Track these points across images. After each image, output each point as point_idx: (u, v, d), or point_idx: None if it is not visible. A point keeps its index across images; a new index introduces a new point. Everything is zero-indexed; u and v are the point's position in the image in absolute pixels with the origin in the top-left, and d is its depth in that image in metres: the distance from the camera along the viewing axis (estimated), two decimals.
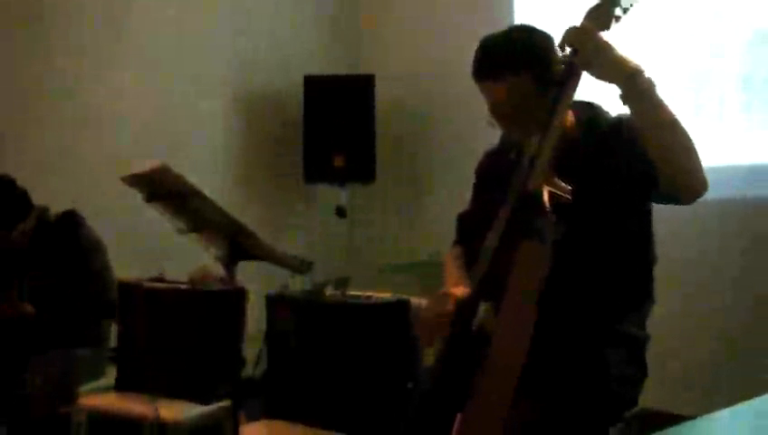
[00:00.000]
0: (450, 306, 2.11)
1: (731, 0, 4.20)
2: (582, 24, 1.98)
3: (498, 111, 2.13)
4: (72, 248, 3.56)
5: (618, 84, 1.95)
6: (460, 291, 2.14)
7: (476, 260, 2.19)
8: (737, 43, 4.21)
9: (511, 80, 2.08)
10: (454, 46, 3.90)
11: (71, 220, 3.62)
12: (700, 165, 1.99)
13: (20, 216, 3.54)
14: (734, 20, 4.20)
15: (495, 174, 2.29)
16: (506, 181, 2.09)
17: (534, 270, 1.90)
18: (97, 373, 3.64)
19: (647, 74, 1.94)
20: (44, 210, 3.61)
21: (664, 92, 1.96)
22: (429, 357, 2.17)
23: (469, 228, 2.40)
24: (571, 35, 1.98)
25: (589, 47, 1.95)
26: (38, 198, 3.65)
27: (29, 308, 3.49)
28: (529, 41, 2.13)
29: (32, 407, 3.35)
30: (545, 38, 2.14)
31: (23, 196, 3.55)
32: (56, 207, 3.67)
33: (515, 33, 2.20)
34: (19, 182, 3.63)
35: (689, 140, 1.97)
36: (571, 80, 1.98)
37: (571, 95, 2.01)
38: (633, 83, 1.93)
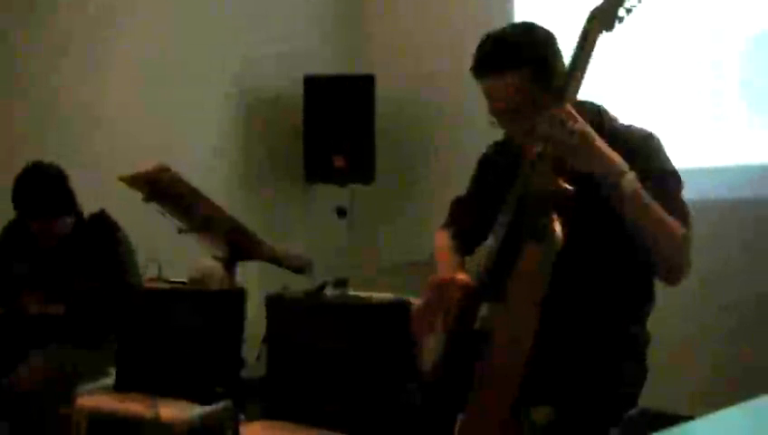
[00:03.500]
0: (457, 293, 2.09)
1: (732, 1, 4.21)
2: (555, 109, 1.94)
3: (498, 109, 2.12)
4: (111, 253, 3.56)
5: (603, 182, 1.95)
6: (463, 277, 2.13)
7: (467, 247, 2.19)
8: (737, 42, 4.21)
9: (512, 75, 2.06)
10: (454, 46, 3.90)
11: (105, 223, 3.63)
12: (684, 259, 2.03)
13: (65, 210, 3.54)
14: (735, 21, 4.20)
15: (497, 166, 2.29)
16: (507, 175, 2.09)
17: (538, 271, 1.90)
18: (101, 372, 3.64)
19: (630, 175, 1.94)
20: (80, 211, 3.62)
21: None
22: (429, 355, 2.16)
23: (462, 213, 2.40)
24: (545, 125, 1.93)
25: (569, 135, 1.91)
26: None
27: (58, 308, 3.49)
28: (530, 37, 2.12)
29: (29, 406, 3.35)
30: (546, 35, 2.13)
31: (71, 193, 3.55)
32: None
33: (516, 30, 2.20)
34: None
35: (675, 237, 1.99)
36: (575, 76, 1.97)
37: (575, 94, 2.00)
38: (620, 185, 1.93)
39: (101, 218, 3.63)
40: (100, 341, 3.59)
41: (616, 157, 1.95)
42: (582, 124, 1.93)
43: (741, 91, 4.24)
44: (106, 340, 3.62)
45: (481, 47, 2.13)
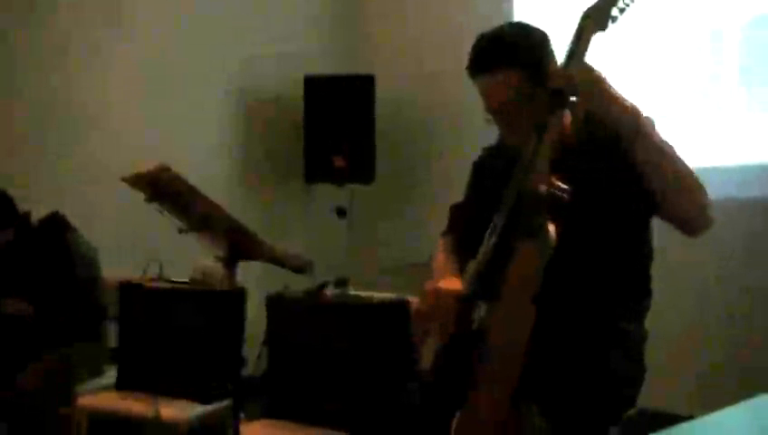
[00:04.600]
0: (452, 302, 2.10)
1: None
2: (572, 67, 1.99)
3: (493, 107, 2.14)
4: (56, 254, 3.54)
5: (620, 126, 1.97)
6: (456, 285, 2.14)
7: (467, 252, 2.20)
8: (735, 32, 4.22)
9: (505, 73, 2.09)
10: (453, 46, 3.89)
11: (55, 225, 3.60)
12: (704, 204, 2.02)
13: (3, 223, 3.51)
14: (732, 7, 4.21)
15: (493, 170, 2.30)
16: (503, 178, 2.10)
17: (532, 269, 1.91)
18: (96, 370, 3.64)
19: (643, 113, 1.97)
20: (26, 215, 3.59)
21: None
22: (428, 355, 2.17)
23: (461, 219, 2.41)
24: (561, 78, 1.99)
25: (585, 84, 1.97)
26: (37, 198, 3.65)
27: (27, 309, 3.48)
28: (523, 36, 2.15)
29: (29, 406, 3.36)
30: (540, 34, 2.16)
31: (8, 205, 3.52)
32: (55, 207, 3.67)
33: (510, 29, 2.23)
34: (18, 181, 3.62)
35: (691, 177, 2.00)
36: (559, 107, 2.00)
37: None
38: (637, 126, 1.96)
39: (52, 220, 3.60)
40: (95, 337, 3.59)
41: (626, 100, 1.99)
42: (599, 73, 1.98)
43: (740, 79, 4.24)
44: (99, 336, 3.62)
45: (476, 46, 2.16)
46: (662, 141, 2.00)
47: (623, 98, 1.99)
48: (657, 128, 2.00)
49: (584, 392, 2.04)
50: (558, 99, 1.99)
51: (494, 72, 2.10)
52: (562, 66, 2.02)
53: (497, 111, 2.14)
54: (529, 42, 2.13)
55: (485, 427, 1.95)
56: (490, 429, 1.94)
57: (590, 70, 1.99)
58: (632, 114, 1.98)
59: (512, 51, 2.11)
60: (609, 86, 1.99)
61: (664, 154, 1.99)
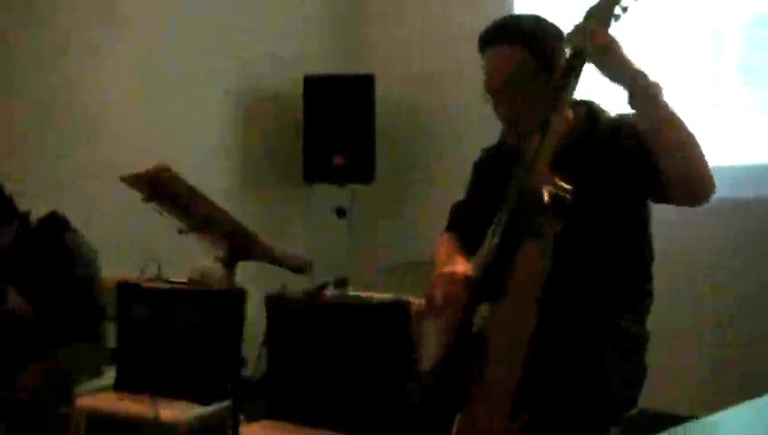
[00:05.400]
0: (462, 285, 2.09)
1: None
2: (588, 23, 2.00)
3: (493, 86, 2.15)
4: (55, 254, 3.53)
5: (625, 86, 1.97)
6: (466, 269, 2.12)
7: (467, 250, 2.19)
8: (735, 32, 4.21)
9: (509, 47, 2.12)
10: (453, 46, 3.90)
11: (54, 225, 3.59)
12: (708, 166, 2.00)
13: (2, 220, 3.51)
14: (732, 6, 4.20)
15: (493, 169, 2.30)
16: (504, 178, 2.10)
17: (536, 270, 1.90)
18: (95, 371, 3.63)
19: (652, 77, 1.96)
20: (26, 215, 3.58)
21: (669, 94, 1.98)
22: (428, 356, 2.16)
23: (461, 218, 2.41)
24: (578, 34, 2.00)
25: (597, 43, 1.97)
26: (36, 198, 3.64)
27: (27, 309, 3.47)
28: (534, 22, 2.19)
29: (29, 406, 3.35)
30: (555, 30, 2.18)
31: (7, 201, 3.52)
32: (54, 207, 3.66)
33: (526, 17, 2.27)
34: (17, 181, 3.61)
35: (697, 142, 1.98)
36: (574, 74, 1.99)
37: (573, 91, 2.02)
38: (642, 86, 1.95)
39: (51, 220, 3.59)
40: (94, 338, 3.58)
41: (635, 62, 1.98)
42: (607, 35, 1.97)
43: (740, 79, 4.24)
44: (97, 337, 3.61)
45: (490, 24, 2.20)
46: (669, 104, 1.98)
47: (629, 60, 1.99)
48: (664, 93, 1.98)
49: (582, 393, 2.03)
50: (577, 60, 1.99)
51: (496, 45, 2.14)
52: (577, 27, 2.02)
53: (497, 91, 2.15)
54: (539, 28, 2.16)
55: (485, 432, 1.95)
56: None
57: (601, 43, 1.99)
58: (642, 75, 1.97)
59: (518, 29, 2.15)
60: (620, 54, 1.99)
61: (671, 115, 1.97)
